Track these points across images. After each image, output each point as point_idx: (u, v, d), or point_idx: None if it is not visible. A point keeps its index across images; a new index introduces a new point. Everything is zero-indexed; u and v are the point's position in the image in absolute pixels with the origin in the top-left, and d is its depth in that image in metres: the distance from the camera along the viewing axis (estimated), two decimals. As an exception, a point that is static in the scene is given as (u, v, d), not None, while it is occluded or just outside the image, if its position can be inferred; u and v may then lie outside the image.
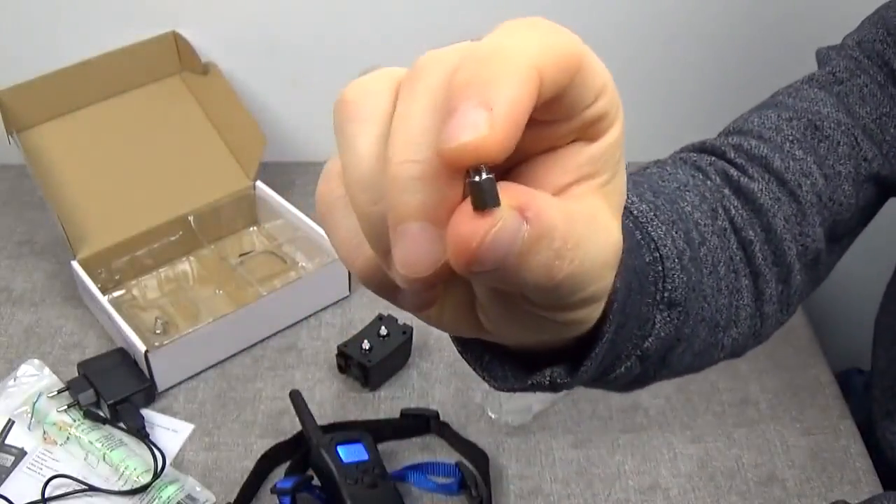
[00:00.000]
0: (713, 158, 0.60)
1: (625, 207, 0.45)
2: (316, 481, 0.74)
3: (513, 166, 0.29)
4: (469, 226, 0.25)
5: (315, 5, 1.05)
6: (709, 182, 0.58)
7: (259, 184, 1.02)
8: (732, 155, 0.60)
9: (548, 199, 0.26)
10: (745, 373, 0.90)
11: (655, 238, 0.46)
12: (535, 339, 0.34)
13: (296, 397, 0.79)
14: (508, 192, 0.25)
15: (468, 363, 0.39)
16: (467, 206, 0.25)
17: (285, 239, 1.01)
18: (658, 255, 0.45)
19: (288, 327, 0.93)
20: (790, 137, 0.60)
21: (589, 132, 0.28)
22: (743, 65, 1.09)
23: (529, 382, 0.37)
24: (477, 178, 0.24)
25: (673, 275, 0.45)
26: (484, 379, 0.39)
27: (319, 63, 1.10)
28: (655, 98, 1.10)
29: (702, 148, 0.62)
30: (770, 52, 1.07)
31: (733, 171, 0.58)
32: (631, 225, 0.46)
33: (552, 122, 0.27)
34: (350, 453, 0.74)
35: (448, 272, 0.26)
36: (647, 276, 0.44)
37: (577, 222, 0.27)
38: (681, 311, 0.46)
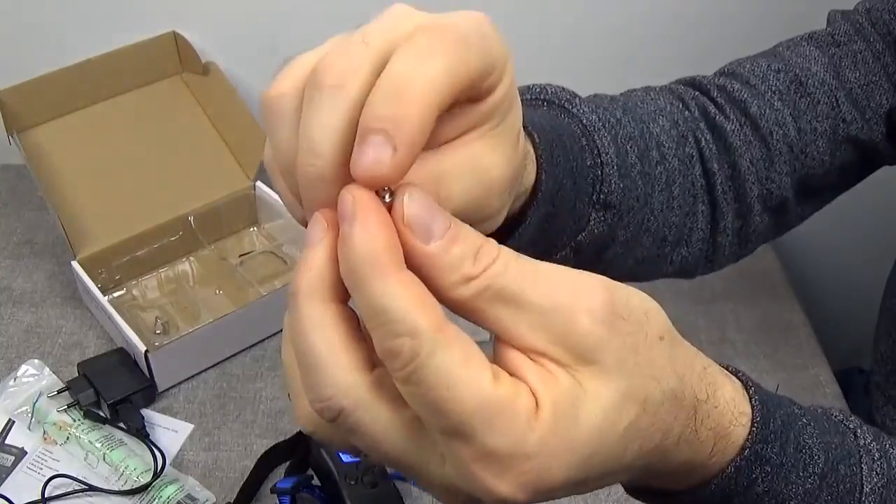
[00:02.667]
0: (697, 93, 0.65)
1: (576, 117, 0.52)
2: (316, 481, 0.74)
3: None
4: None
5: (315, 5, 1.05)
6: (686, 113, 0.63)
7: (259, 184, 1.02)
8: (715, 94, 0.64)
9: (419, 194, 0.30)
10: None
11: (599, 146, 0.52)
12: None
13: (296, 397, 0.79)
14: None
15: None
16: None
17: (285, 239, 1.01)
18: (599, 160, 0.51)
19: (288, 327, 0.93)
20: (773, 88, 0.64)
21: (479, 94, 0.33)
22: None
23: None
24: (386, 198, 0.30)
25: (610, 180, 0.51)
26: None
27: (319, 63, 1.10)
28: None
29: (691, 82, 0.66)
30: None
31: (712, 108, 0.63)
32: (579, 132, 0.51)
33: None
34: (350, 453, 0.74)
35: None
36: (585, 178, 0.50)
37: (447, 178, 0.33)
38: (615, 213, 0.52)
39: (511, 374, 0.30)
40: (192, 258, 1.00)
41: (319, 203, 0.31)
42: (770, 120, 0.63)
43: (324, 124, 0.30)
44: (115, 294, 0.96)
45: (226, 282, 0.97)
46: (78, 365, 0.84)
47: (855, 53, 0.66)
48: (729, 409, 0.37)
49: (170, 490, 0.75)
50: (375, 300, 0.28)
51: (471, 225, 0.31)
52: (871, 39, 0.67)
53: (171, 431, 0.83)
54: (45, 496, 0.75)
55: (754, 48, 0.70)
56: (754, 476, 0.38)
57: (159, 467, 0.77)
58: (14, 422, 0.81)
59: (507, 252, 0.31)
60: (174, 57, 1.06)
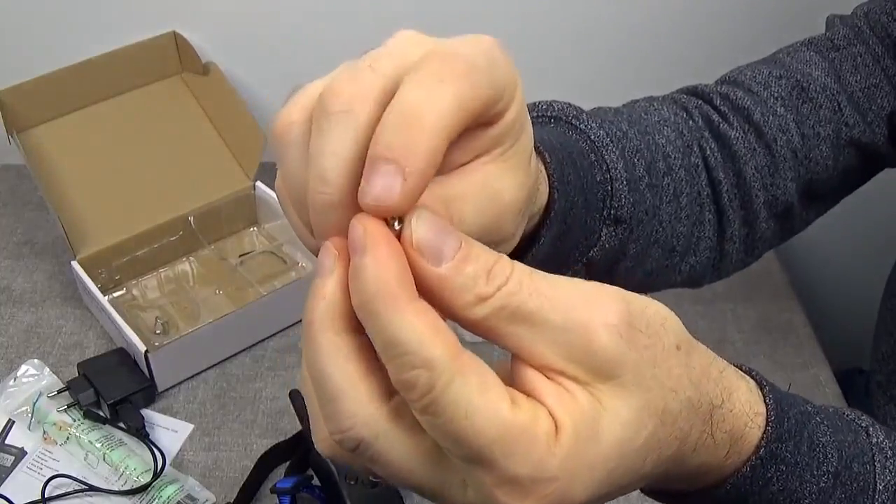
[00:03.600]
0: (700, 102, 0.65)
1: (584, 133, 0.53)
2: (316, 481, 0.74)
3: None
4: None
5: (315, 5, 1.05)
6: (691, 122, 0.63)
7: (259, 184, 1.02)
8: (718, 102, 0.64)
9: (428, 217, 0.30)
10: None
11: (608, 161, 0.52)
12: None
13: (296, 397, 0.79)
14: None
15: None
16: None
17: (285, 239, 1.01)
18: (608, 176, 0.51)
19: (288, 327, 0.93)
20: (775, 94, 0.64)
21: (489, 119, 0.32)
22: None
23: None
24: (396, 225, 0.29)
25: (620, 195, 0.52)
26: None
27: (319, 63, 1.09)
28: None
29: (693, 91, 0.66)
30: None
31: (715, 117, 0.63)
32: (587, 148, 0.52)
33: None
34: (350, 453, 0.74)
35: None
36: (595, 194, 0.51)
37: (458, 202, 0.33)
38: (626, 227, 0.52)
39: (528, 395, 0.30)
40: (192, 258, 1.00)
41: (331, 230, 0.30)
42: (773, 126, 0.63)
43: (333, 151, 0.30)
44: (115, 294, 0.96)
45: (226, 282, 0.97)
46: (78, 365, 0.84)
47: (855, 57, 0.66)
48: (744, 410, 0.37)
49: (170, 490, 0.75)
50: (389, 333, 0.28)
51: (494, 247, 0.31)
52: (870, 43, 0.66)
53: (171, 431, 0.83)
54: (45, 496, 0.75)
55: (753, 55, 0.69)
56: (769, 475, 0.38)
57: (159, 467, 0.77)
58: (14, 422, 0.81)
59: (520, 268, 0.30)
60: (174, 57, 1.06)
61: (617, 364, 0.30)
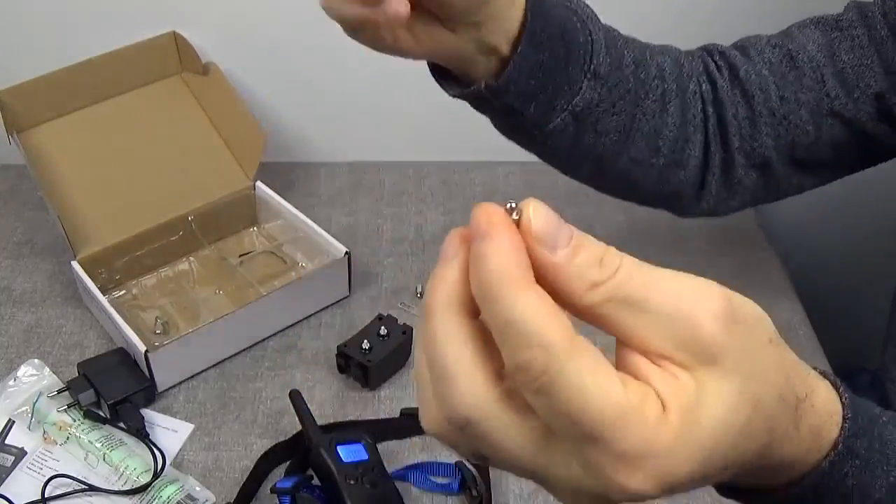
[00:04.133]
0: (704, 53, 0.77)
1: (575, 10, 0.66)
2: (316, 481, 0.74)
3: None
4: None
5: (315, 5, 1.05)
6: (693, 62, 0.75)
7: (259, 184, 1.02)
8: (717, 57, 0.76)
9: None
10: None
11: (591, 30, 0.66)
12: (456, 50, 0.61)
13: (296, 397, 0.79)
14: None
15: (441, 87, 0.66)
16: None
17: (285, 239, 1.01)
18: (590, 38, 0.65)
19: (288, 327, 0.93)
20: (765, 59, 0.74)
21: None
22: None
23: (471, 88, 0.63)
24: (514, 215, 0.31)
25: (599, 55, 0.65)
26: (440, 85, 0.66)
27: (319, 63, 1.10)
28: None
29: (703, 47, 0.78)
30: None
31: (711, 66, 0.75)
32: (576, 19, 0.65)
33: None
34: (350, 453, 0.74)
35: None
36: (578, 51, 0.64)
37: None
38: (603, 84, 0.66)
39: (635, 378, 0.31)
40: (192, 258, 1.00)
41: None
42: (754, 84, 0.73)
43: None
44: (115, 294, 0.96)
45: (226, 282, 0.97)
46: (78, 365, 0.84)
47: (853, 38, 0.72)
48: (825, 408, 0.39)
49: (170, 490, 0.75)
50: (508, 314, 0.29)
51: (472, 30, 0.56)
52: (877, 27, 0.72)
53: (171, 431, 0.83)
54: (45, 496, 0.75)
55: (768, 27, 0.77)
56: (845, 470, 0.40)
57: (159, 467, 0.77)
58: (14, 422, 0.82)
59: (629, 259, 0.32)
60: (174, 57, 1.06)
61: (720, 351, 0.31)
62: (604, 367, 0.30)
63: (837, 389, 0.41)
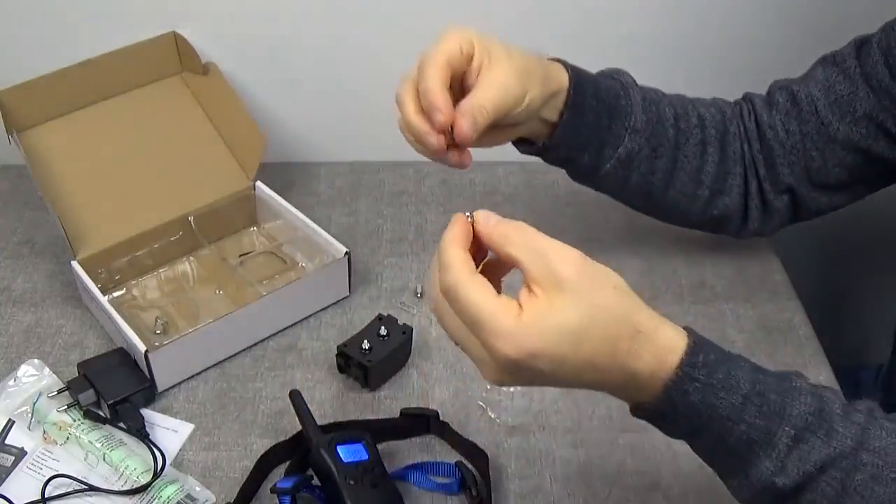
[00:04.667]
0: (741, 101, 0.91)
1: (616, 79, 0.84)
2: (316, 481, 0.74)
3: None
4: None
5: (315, 5, 1.05)
6: (734, 109, 0.90)
7: (259, 184, 1.02)
8: (748, 103, 0.90)
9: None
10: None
11: (631, 97, 0.83)
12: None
13: (296, 397, 0.79)
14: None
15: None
16: None
17: (285, 239, 1.01)
18: (630, 101, 0.83)
19: (288, 327, 0.93)
20: (775, 100, 0.88)
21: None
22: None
23: (533, 146, 0.83)
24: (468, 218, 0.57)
25: (637, 114, 0.82)
26: (514, 145, 0.84)
27: (319, 63, 1.10)
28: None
29: (744, 95, 0.92)
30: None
31: (745, 111, 0.89)
32: (618, 87, 0.83)
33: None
34: (350, 453, 0.74)
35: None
36: (619, 112, 0.82)
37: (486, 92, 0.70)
38: (642, 135, 0.83)
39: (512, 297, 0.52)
40: (192, 258, 1.00)
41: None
42: (766, 124, 0.87)
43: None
44: (115, 294, 0.96)
45: (226, 282, 0.97)
46: (78, 365, 0.85)
47: (846, 70, 0.83)
48: (667, 343, 0.54)
49: (170, 490, 0.76)
50: (445, 258, 0.53)
51: (517, 126, 0.77)
52: (871, 54, 0.81)
53: (171, 431, 0.83)
54: (45, 496, 0.75)
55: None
56: (686, 388, 0.54)
57: (159, 467, 0.77)
58: (14, 422, 0.82)
59: (526, 228, 0.54)
60: (174, 57, 1.06)
61: (566, 281, 0.51)
62: (487, 286, 0.52)
63: (689, 336, 0.55)
